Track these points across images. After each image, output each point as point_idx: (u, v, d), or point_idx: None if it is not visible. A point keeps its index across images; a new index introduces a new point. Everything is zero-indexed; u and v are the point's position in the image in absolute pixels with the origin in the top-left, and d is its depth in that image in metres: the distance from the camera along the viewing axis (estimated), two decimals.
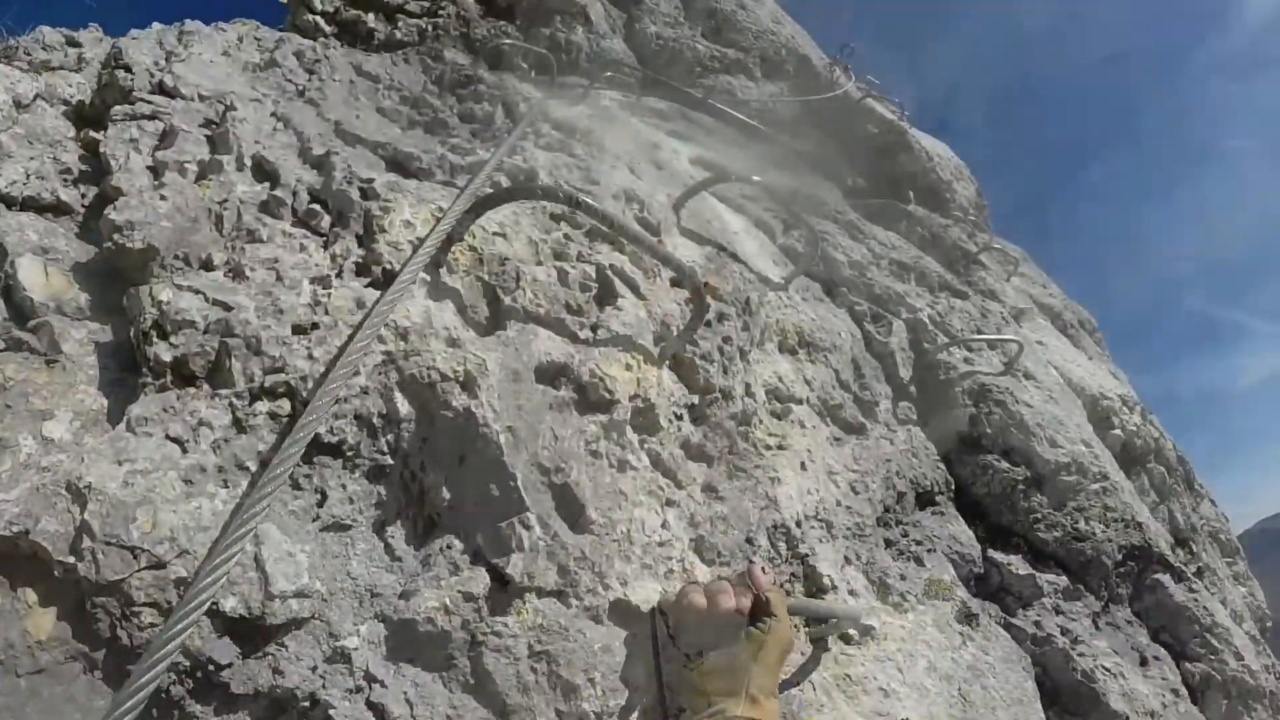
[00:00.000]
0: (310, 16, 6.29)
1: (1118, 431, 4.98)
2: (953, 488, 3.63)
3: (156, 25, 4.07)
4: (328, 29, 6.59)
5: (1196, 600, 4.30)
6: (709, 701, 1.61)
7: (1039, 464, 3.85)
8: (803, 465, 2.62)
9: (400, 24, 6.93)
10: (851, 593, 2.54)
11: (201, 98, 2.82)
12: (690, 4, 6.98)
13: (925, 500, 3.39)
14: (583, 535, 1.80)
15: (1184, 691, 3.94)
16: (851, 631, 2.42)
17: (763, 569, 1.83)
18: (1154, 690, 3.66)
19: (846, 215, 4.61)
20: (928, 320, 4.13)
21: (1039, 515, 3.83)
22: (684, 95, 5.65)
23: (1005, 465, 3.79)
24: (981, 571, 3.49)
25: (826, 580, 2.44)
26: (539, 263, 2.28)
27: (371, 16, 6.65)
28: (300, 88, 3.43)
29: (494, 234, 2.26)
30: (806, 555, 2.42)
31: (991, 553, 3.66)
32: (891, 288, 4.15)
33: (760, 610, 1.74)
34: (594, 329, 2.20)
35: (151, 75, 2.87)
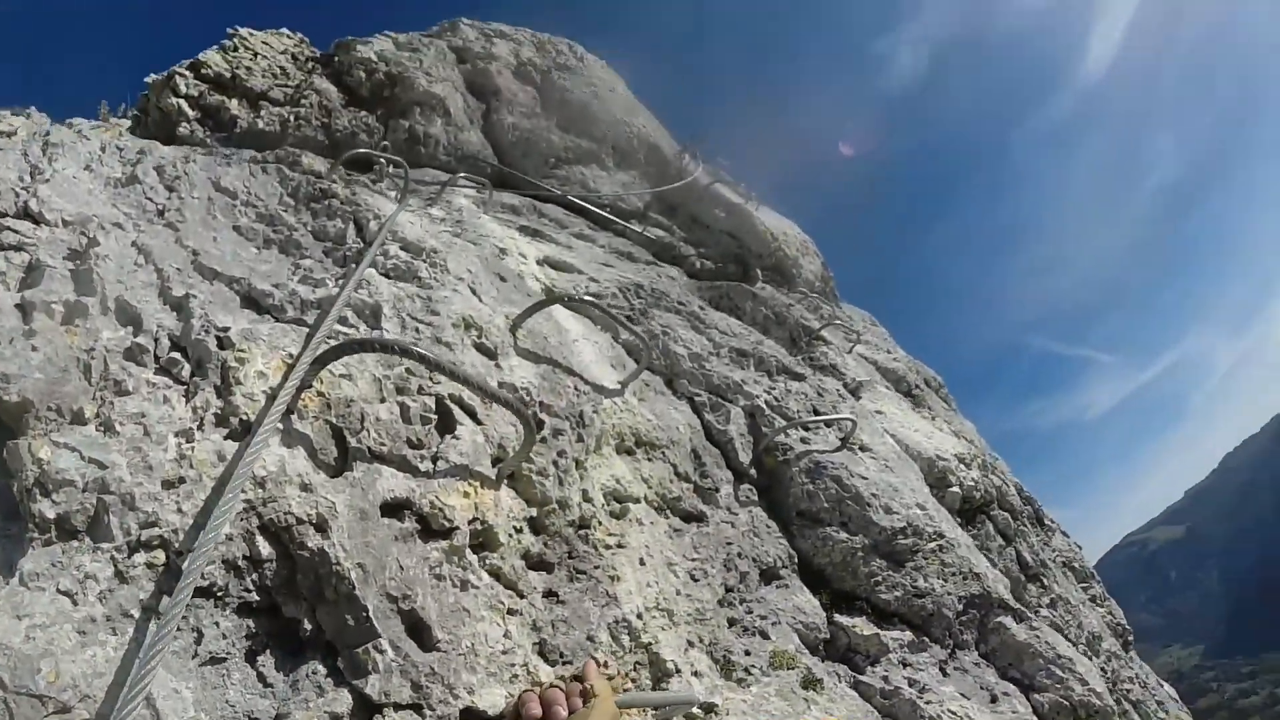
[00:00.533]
0: (174, 100, 6.54)
1: (955, 489, 5.58)
2: (795, 561, 4.10)
3: (22, 131, 4.28)
4: (191, 113, 6.81)
5: (1039, 636, 4.83)
6: None
7: (875, 531, 4.35)
8: (641, 560, 3.03)
9: (264, 112, 7.21)
10: (696, 674, 2.91)
11: (65, 223, 3.09)
12: (547, 94, 7.49)
13: (769, 575, 3.82)
14: (431, 653, 2.14)
15: None
16: (695, 710, 2.77)
17: (604, 663, 2.22)
18: None
19: (689, 305, 5.09)
20: (765, 405, 4.63)
21: (879, 578, 4.32)
22: (536, 189, 6.10)
23: (844, 535, 4.29)
24: (828, 636, 3.93)
25: (670, 665, 2.82)
26: (382, 400, 2.65)
27: (235, 103, 6.93)
28: (160, 207, 3.72)
29: (340, 376, 2.62)
30: (650, 644, 2.80)
31: (837, 617, 4.10)
32: (730, 377, 4.64)
33: (587, 696, 2.14)
34: (434, 460, 2.57)
35: (16, 195, 3.13)
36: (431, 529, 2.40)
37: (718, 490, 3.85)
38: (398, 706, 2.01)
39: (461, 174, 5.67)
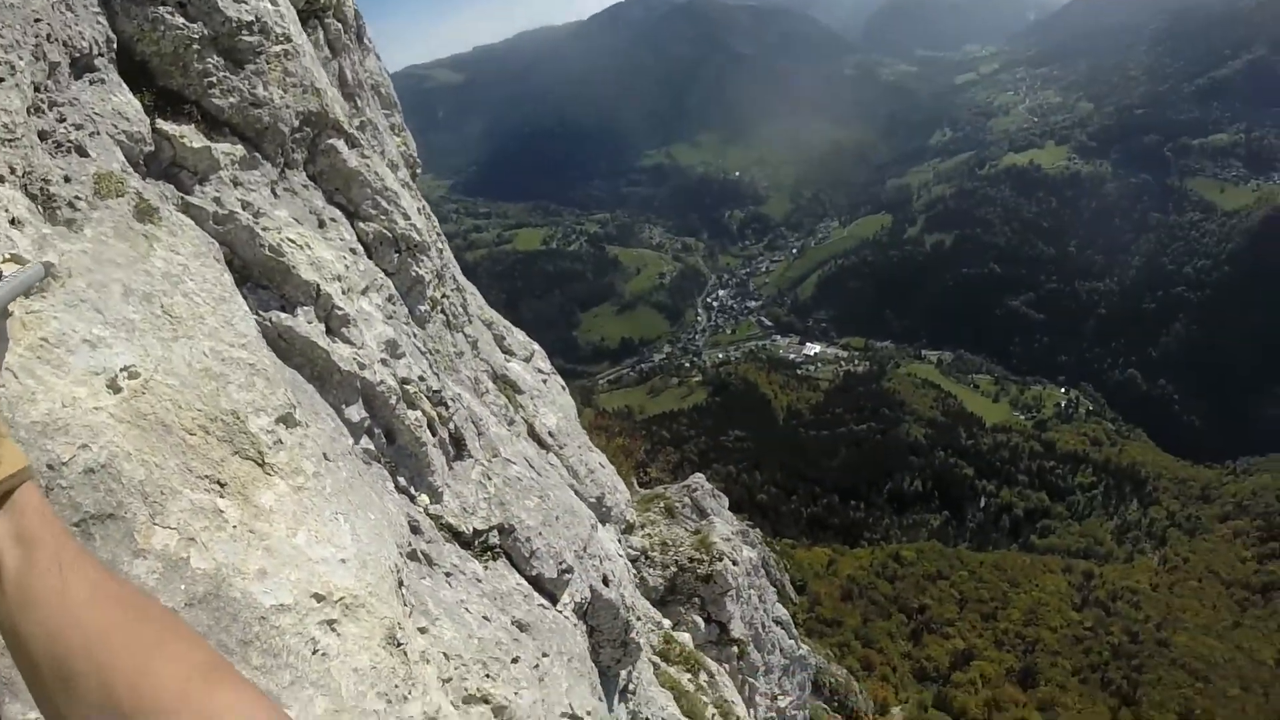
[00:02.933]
0: None
1: None
2: (115, 47, 3.27)
3: None
4: None
5: (369, 166, 4.77)
6: None
7: (220, 21, 3.52)
8: None
9: None
10: (15, 222, 2.16)
11: None
12: None
13: (83, 67, 2.93)
14: None
15: (360, 249, 4.50)
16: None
17: None
18: (336, 254, 4.07)
19: None
20: None
21: (215, 79, 3.64)
22: None
23: (181, 20, 3.38)
24: (152, 149, 3.30)
25: None
26: None
27: None
28: None
29: None
30: None
31: (161, 124, 3.40)
32: None
33: None
34: None
35: None
36: None
37: None
38: None
39: None
